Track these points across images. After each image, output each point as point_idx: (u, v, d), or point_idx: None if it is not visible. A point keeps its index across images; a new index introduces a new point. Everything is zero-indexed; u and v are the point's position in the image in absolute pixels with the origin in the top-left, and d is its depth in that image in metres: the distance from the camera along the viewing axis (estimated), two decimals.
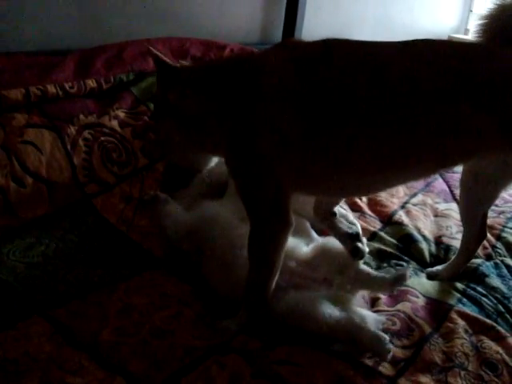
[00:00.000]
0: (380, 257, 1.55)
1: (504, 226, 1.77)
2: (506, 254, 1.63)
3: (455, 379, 1.11)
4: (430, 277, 1.49)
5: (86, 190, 1.56)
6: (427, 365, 1.14)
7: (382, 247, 1.60)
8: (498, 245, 1.66)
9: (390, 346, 1.12)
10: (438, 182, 2.08)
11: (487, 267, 1.53)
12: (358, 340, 1.13)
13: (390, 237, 1.66)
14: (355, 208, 1.79)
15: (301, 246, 1.36)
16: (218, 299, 1.27)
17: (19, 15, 1.72)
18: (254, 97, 1.14)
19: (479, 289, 1.42)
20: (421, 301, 1.34)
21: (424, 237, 1.68)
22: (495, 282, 1.46)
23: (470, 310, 1.32)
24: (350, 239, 1.32)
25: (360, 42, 1.16)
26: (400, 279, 1.24)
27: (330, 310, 1.15)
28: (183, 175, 1.33)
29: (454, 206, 1.89)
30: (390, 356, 1.12)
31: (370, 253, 1.50)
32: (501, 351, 1.19)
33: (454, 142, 1.12)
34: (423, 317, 1.28)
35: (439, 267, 1.52)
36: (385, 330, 1.18)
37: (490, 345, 1.20)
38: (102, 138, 1.65)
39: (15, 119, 1.51)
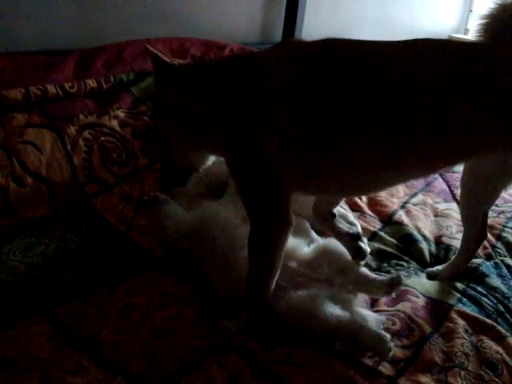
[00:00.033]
0: (380, 257, 1.55)
1: (504, 226, 1.77)
2: (506, 253, 1.63)
3: (455, 379, 1.11)
4: (430, 277, 1.49)
5: (85, 189, 1.56)
6: (427, 365, 1.14)
7: (382, 247, 1.60)
8: (498, 245, 1.66)
9: (391, 344, 1.12)
10: (438, 182, 2.08)
11: (487, 267, 1.53)
12: (360, 339, 1.13)
13: (390, 237, 1.66)
14: (355, 208, 1.79)
15: (302, 246, 1.36)
16: (218, 299, 1.27)
17: (19, 15, 1.72)
18: (254, 96, 1.14)
19: (479, 289, 1.42)
20: (421, 301, 1.34)
21: (424, 237, 1.68)
22: (495, 281, 1.46)
23: (470, 309, 1.32)
24: (351, 239, 1.32)
25: (360, 42, 1.16)
26: (395, 282, 1.24)
27: (332, 309, 1.15)
28: (180, 174, 1.33)
29: (454, 205, 1.89)
30: (391, 355, 1.12)
31: (370, 253, 1.50)
32: (501, 351, 1.18)
33: (453, 142, 1.12)
34: (423, 317, 1.28)
35: (439, 267, 1.52)
36: (385, 330, 1.18)
37: (490, 345, 1.20)
38: (102, 138, 1.65)
39: (15, 119, 1.52)
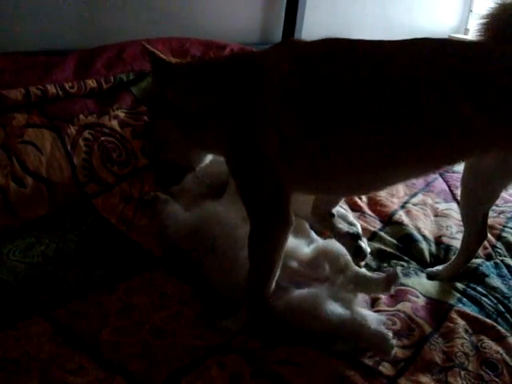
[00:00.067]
0: (380, 257, 1.55)
1: (504, 226, 1.77)
2: (506, 253, 1.63)
3: (455, 379, 1.11)
4: (430, 277, 1.49)
5: (86, 189, 1.56)
6: (427, 364, 1.14)
7: (382, 247, 1.60)
8: (498, 245, 1.67)
9: (394, 342, 1.12)
10: (438, 182, 2.08)
11: (487, 267, 1.53)
12: (361, 337, 1.13)
13: (390, 237, 1.66)
14: (355, 208, 1.79)
15: (302, 246, 1.36)
16: (218, 299, 1.27)
17: (19, 15, 1.72)
18: (254, 96, 1.14)
19: (479, 289, 1.42)
20: (421, 301, 1.34)
21: (424, 237, 1.68)
22: (495, 281, 1.46)
23: (470, 309, 1.32)
24: (351, 239, 1.32)
25: (360, 41, 1.16)
26: (392, 278, 1.24)
27: (333, 308, 1.15)
28: (176, 172, 1.33)
29: (454, 205, 1.89)
30: (393, 352, 1.12)
31: (371, 253, 1.50)
32: (501, 351, 1.18)
33: (453, 141, 1.12)
34: (423, 317, 1.28)
35: (439, 267, 1.52)
36: None
37: (490, 344, 1.20)
38: (102, 138, 1.65)
39: (15, 119, 1.51)
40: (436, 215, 1.84)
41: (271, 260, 1.18)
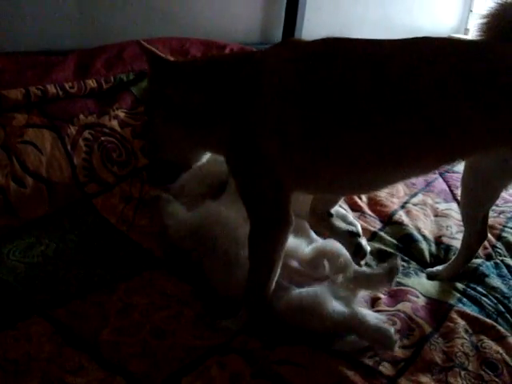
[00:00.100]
0: (380, 257, 1.55)
1: (504, 226, 1.77)
2: (506, 253, 1.63)
3: (455, 379, 1.11)
4: (430, 277, 1.49)
5: (86, 189, 1.56)
6: (427, 364, 1.14)
7: (382, 247, 1.60)
8: (498, 245, 1.67)
9: (396, 337, 1.12)
10: (438, 182, 2.08)
11: (487, 267, 1.53)
12: (363, 334, 1.13)
13: (390, 237, 1.66)
14: (355, 208, 1.79)
15: (302, 246, 1.36)
16: (218, 299, 1.27)
17: (19, 15, 1.72)
18: (254, 96, 1.14)
19: (479, 289, 1.42)
20: (421, 301, 1.34)
21: (424, 237, 1.68)
22: (495, 281, 1.46)
23: (470, 309, 1.32)
24: (350, 236, 1.31)
25: (360, 40, 1.16)
26: (393, 270, 1.24)
27: (334, 306, 1.15)
28: (172, 171, 1.32)
29: (455, 205, 1.89)
30: (396, 347, 1.12)
31: (370, 253, 1.50)
32: (501, 351, 1.18)
33: (453, 139, 1.12)
34: (423, 317, 1.28)
35: (439, 267, 1.52)
36: None
37: (490, 344, 1.20)
38: (102, 138, 1.65)
39: (15, 119, 1.52)
40: (436, 215, 1.84)
41: (271, 260, 1.18)
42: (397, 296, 1.35)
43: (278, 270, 1.21)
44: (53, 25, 1.80)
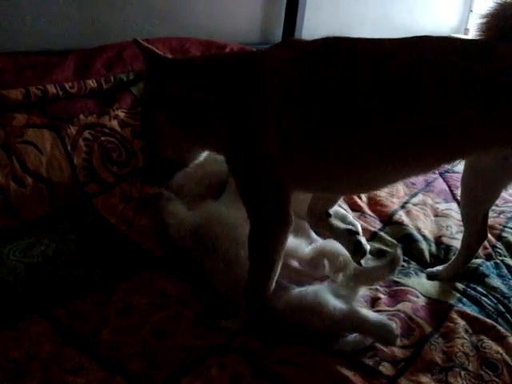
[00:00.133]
0: (380, 257, 1.55)
1: (504, 226, 1.77)
2: (506, 253, 1.63)
3: (455, 379, 1.11)
4: (430, 277, 1.49)
5: (86, 189, 1.56)
6: (427, 365, 1.14)
7: (382, 247, 1.60)
8: (498, 245, 1.67)
9: (398, 331, 1.11)
10: (439, 182, 2.08)
11: (487, 267, 1.53)
12: (365, 329, 1.13)
13: (390, 237, 1.66)
14: (355, 208, 1.79)
15: (302, 246, 1.36)
16: (219, 299, 1.27)
17: (19, 15, 1.72)
18: (254, 96, 1.13)
19: (479, 289, 1.42)
20: (421, 301, 1.34)
21: (424, 237, 1.68)
22: (495, 281, 1.46)
23: (470, 309, 1.32)
24: (349, 234, 1.31)
25: (360, 40, 1.16)
26: (395, 260, 1.25)
27: (334, 303, 1.15)
28: (168, 169, 1.32)
29: (455, 205, 1.89)
30: (398, 341, 1.12)
31: (371, 253, 1.50)
32: (501, 351, 1.18)
33: (454, 138, 1.12)
34: (423, 317, 1.28)
35: (439, 267, 1.52)
36: None
37: (490, 344, 1.20)
38: (102, 138, 1.65)
39: (15, 119, 1.51)
40: (436, 215, 1.84)
41: (271, 260, 1.18)
42: (397, 296, 1.35)
43: (278, 270, 1.21)
44: (53, 25, 1.80)
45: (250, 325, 1.20)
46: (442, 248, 1.64)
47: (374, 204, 1.85)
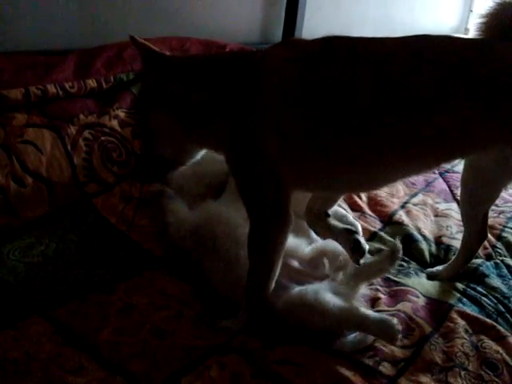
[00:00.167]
0: None
1: (504, 226, 1.77)
2: (506, 253, 1.63)
3: (455, 379, 1.11)
4: (430, 277, 1.49)
5: (86, 189, 1.56)
6: (427, 364, 1.14)
7: (382, 247, 1.60)
8: (499, 245, 1.67)
9: (399, 327, 1.11)
10: (439, 182, 2.08)
11: (487, 267, 1.53)
12: (366, 326, 1.12)
13: (390, 237, 1.66)
14: (355, 208, 1.79)
15: (302, 245, 1.36)
16: (219, 299, 1.27)
17: (19, 15, 1.72)
18: (254, 96, 1.13)
19: (479, 289, 1.42)
20: (421, 301, 1.34)
21: (424, 237, 1.68)
22: (495, 281, 1.46)
23: (470, 309, 1.32)
24: (348, 233, 1.31)
25: (360, 39, 1.16)
26: (395, 251, 1.25)
27: (334, 300, 1.15)
28: (164, 168, 1.31)
29: (455, 205, 1.89)
30: (400, 337, 1.11)
31: (370, 253, 1.50)
32: (501, 351, 1.18)
33: (453, 137, 1.12)
34: (423, 317, 1.28)
35: (439, 267, 1.52)
36: None
37: (490, 344, 1.20)
38: (102, 138, 1.65)
39: (15, 119, 1.51)
40: (436, 215, 1.84)
41: (271, 260, 1.18)
42: (397, 296, 1.35)
43: (278, 270, 1.20)
44: (53, 25, 1.80)
45: (250, 325, 1.20)
46: (442, 248, 1.64)
47: (374, 204, 1.85)
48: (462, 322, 1.26)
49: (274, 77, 1.12)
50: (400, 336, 1.12)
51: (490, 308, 1.34)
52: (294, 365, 1.09)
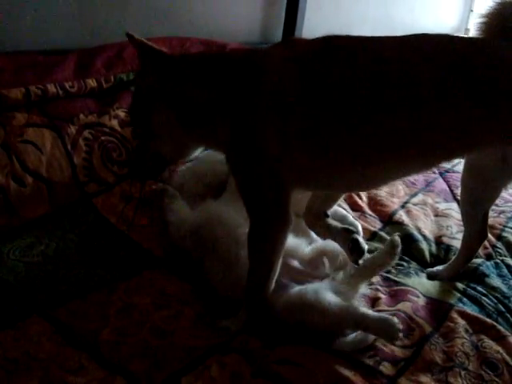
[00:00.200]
0: None
1: (504, 226, 1.77)
2: (506, 253, 1.63)
3: (455, 379, 1.11)
4: (431, 277, 1.49)
5: (86, 189, 1.56)
6: (427, 364, 1.14)
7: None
8: (499, 244, 1.66)
9: (400, 326, 1.11)
10: (439, 182, 2.08)
11: (487, 267, 1.53)
12: (366, 325, 1.12)
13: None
14: (355, 208, 1.79)
15: (303, 246, 1.36)
16: (219, 299, 1.27)
17: (19, 15, 1.72)
18: (254, 95, 1.13)
19: (479, 288, 1.42)
20: (421, 300, 1.34)
21: (424, 237, 1.67)
22: (495, 281, 1.46)
23: (471, 309, 1.32)
24: (347, 232, 1.31)
25: (360, 38, 1.16)
26: (394, 244, 1.25)
27: (334, 299, 1.15)
28: (160, 165, 1.30)
29: (455, 205, 1.89)
30: (400, 336, 1.11)
31: (370, 252, 1.50)
32: (501, 351, 1.18)
33: (453, 135, 1.12)
34: (423, 316, 1.28)
35: (439, 267, 1.52)
36: None
37: (490, 344, 1.20)
38: (103, 138, 1.65)
39: (15, 118, 1.51)
40: (436, 215, 1.84)
41: (270, 260, 1.18)
42: (397, 296, 1.35)
43: (278, 270, 1.20)
44: (53, 25, 1.80)
45: (250, 324, 1.20)
46: (442, 248, 1.64)
47: (374, 204, 1.85)
48: (462, 322, 1.26)
49: (274, 76, 1.12)
50: (400, 335, 1.11)
51: (490, 308, 1.34)
52: (294, 364, 1.08)
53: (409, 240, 1.64)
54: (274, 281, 1.21)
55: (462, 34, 3.85)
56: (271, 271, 1.19)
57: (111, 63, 1.80)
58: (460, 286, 1.42)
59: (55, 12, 1.80)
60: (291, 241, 1.28)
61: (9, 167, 1.45)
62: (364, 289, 1.32)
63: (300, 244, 1.35)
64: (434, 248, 1.64)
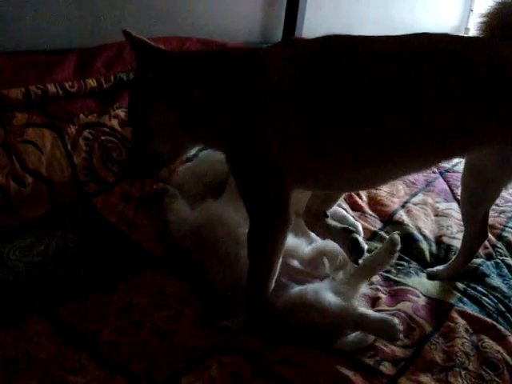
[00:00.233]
0: None
1: (505, 226, 1.77)
2: (506, 253, 1.63)
3: (456, 379, 1.11)
4: (431, 276, 1.49)
5: (86, 189, 1.56)
6: (428, 364, 1.14)
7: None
8: (499, 244, 1.66)
9: (400, 326, 1.11)
10: (439, 182, 2.08)
11: (488, 267, 1.53)
12: (366, 326, 1.12)
13: None
14: (355, 207, 1.79)
15: (303, 245, 1.36)
16: (219, 298, 1.27)
17: (19, 15, 1.72)
18: (254, 95, 1.13)
19: (480, 288, 1.42)
20: (421, 300, 1.34)
21: (424, 236, 1.67)
22: (496, 281, 1.46)
23: (471, 309, 1.32)
24: (346, 231, 1.31)
25: (360, 37, 1.16)
26: (393, 242, 1.25)
27: (334, 299, 1.15)
28: (157, 164, 1.30)
29: (455, 205, 1.89)
30: (401, 336, 1.11)
31: (370, 252, 1.50)
32: (501, 350, 1.18)
33: (453, 135, 1.12)
34: (424, 316, 1.28)
35: (440, 267, 1.52)
36: None
37: (490, 344, 1.20)
38: (103, 138, 1.65)
39: (15, 118, 1.52)
40: (436, 215, 1.84)
41: (270, 259, 1.18)
42: (397, 296, 1.35)
43: (278, 269, 1.20)
44: (53, 25, 1.80)
45: (250, 324, 1.20)
46: (443, 248, 1.64)
47: (374, 204, 1.85)
48: (462, 322, 1.26)
49: (274, 75, 1.12)
50: (401, 336, 1.11)
51: (491, 307, 1.34)
52: (294, 364, 1.08)
53: (409, 240, 1.64)
54: (274, 281, 1.21)
55: (462, 34, 3.85)
56: (271, 271, 1.19)
57: (111, 63, 1.80)
58: (460, 285, 1.42)
59: (55, 12, 1.80)
60: (291, 241, 1.28)
61: (9, 167, 1.46)
62: (364, 288, 1.32)
63: (300, 244, 1.35)
64: (434, 248, 1.64)
